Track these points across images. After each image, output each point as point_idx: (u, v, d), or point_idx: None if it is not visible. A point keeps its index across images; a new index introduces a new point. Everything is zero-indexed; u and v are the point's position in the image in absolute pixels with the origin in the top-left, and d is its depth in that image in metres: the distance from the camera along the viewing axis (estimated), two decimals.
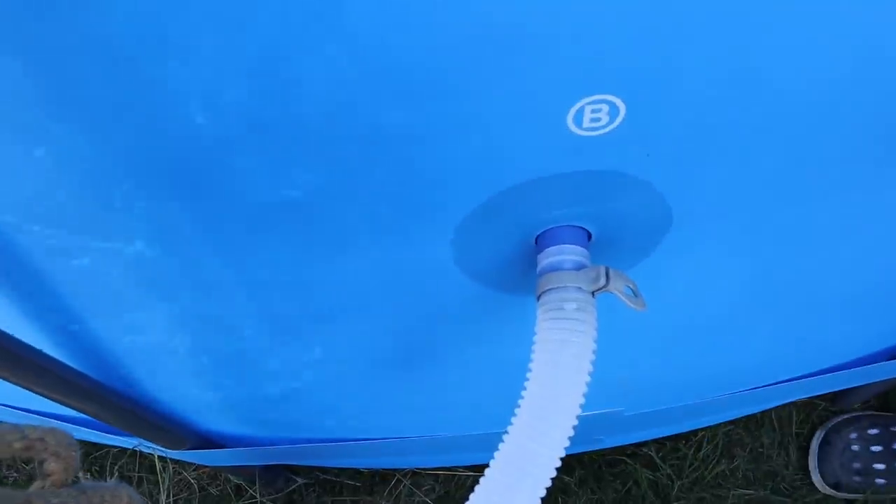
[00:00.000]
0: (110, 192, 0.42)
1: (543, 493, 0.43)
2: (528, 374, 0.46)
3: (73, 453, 0.39)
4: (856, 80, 0.40)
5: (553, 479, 0.43)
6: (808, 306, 0.69)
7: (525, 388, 0.45)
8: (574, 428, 0.44)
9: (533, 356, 0.46)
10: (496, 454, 0.44)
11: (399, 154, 0.40)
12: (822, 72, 0.39)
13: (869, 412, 1.17)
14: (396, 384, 0.70)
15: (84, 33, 0.32)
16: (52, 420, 0.76)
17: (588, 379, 0.45)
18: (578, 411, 0.45)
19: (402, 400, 0.75)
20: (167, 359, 0.61)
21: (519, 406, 0.45)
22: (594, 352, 0.45)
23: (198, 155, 0.40)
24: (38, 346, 0.55)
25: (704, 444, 1.16)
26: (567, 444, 0.44)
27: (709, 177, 0.47)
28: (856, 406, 1.18)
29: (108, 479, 1.14)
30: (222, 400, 0.71)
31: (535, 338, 0.46)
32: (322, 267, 0.50)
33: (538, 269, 0.48)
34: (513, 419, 0.45)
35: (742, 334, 0.71)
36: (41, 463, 0.37)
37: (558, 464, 0.44)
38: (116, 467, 1.14)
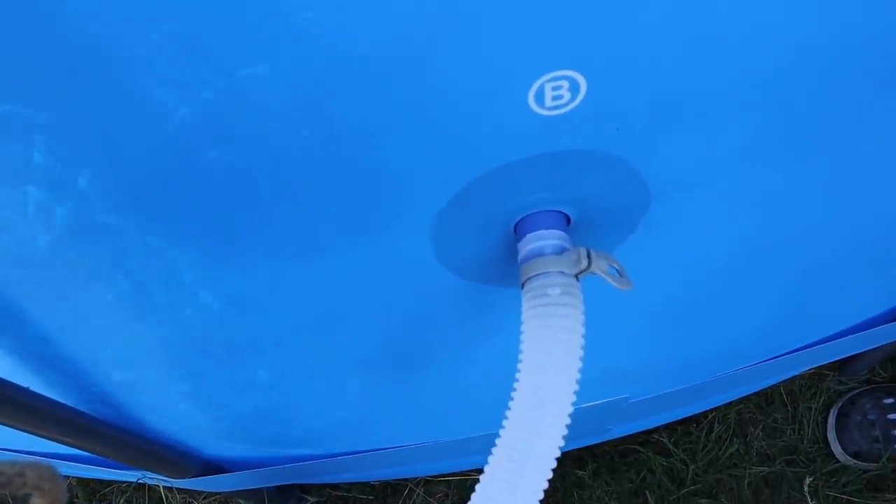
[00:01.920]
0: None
1: (545, 485, 0.42)
2: (519, 366, 0.45)
3: (59, 486, 0.38)
4: (814, 37, 0.40)
5: (567, 474, 0.42)
6: (801, 271, 0.68)
7: (517, 380, 0.44)
8: (570, 416, 0.43)
9: (522, 346, 0.45)
10: (493, 450, 0.43)
11: (363, 151, 0.39)
12: (777, 31, 0.38)
13: (882, 383, 1.17)
14: (391, 390, 0.69)
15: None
16: (51, 459, 0.75)
17: (580, 364, 0.44)
18: (573, 398, 0.44)
19: (400, 406, 0.74)
20: (155, 387, 0.61)
21: (512, 399, 0.44)
22: (583, 335, 0.44)
23: (165, 168, 0.39)
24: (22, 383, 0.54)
25: (716, 425, 1.15)
26: (564, 432, 0.43)
27: (682, 146, 0.46)
28: (864, 374, 1.18)
29: None
30: (217, 421, 0.70)
31: (523, 327, 0.46)
32: (299, 275, 0.49)
33: (519, 257, 0.48)
34: (507, 413, 0.44)
35: (737, 307, 0.70)
36: (25, 499, 0.36)
37: (557, 454, 0.43)
38: (123, 500, 1.13)
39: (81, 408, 0.62)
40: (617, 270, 0.47)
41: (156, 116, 0.35)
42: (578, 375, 0.44)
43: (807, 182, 0.54)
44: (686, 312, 0.67)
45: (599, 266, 0.45)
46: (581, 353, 0.44)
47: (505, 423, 0.44)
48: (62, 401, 0.59)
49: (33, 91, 0.33)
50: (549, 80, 0.38)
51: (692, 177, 0.49)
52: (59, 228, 0.42)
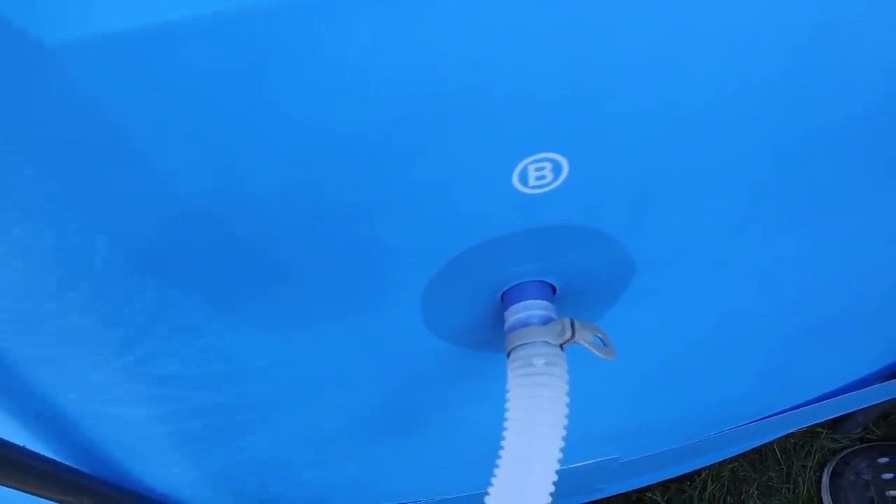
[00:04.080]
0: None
1: None
2: (504, 433, 0.46)
3: None
4: (788, 125, 0.42)
5: None
6: (787, 336, 0.69)
7: (502, 447, 0.45)
8: (555, 484, 0.44)
9: (507, 414, 0.46)
10: None
11: (354, 228, 0.41)
12: (754, 120, 0.41)
13: (876, 442, 1.17)
14: (385, 449, 0.70)
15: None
16: None
17: (563, 433, 0.45)
18: (557, 466, 0.45)
19: (394, 465, 0.74)
20: (148, 446, 0.61)
21: (497, 465, 0.45)
22: (567, 405, 0.45)
23: (164, 241, 0.41)
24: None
25: (710, 484, 1.15)
26: (549, 500, 0.44)
27: (664, 221, 0.48)
28: (857, 432, 1.18)
29: None
30: (208, 480, 0.70)
31: (508, 395, 0.47)
32: (293, 343, 0.50)
33: (506, 326, 0.49)
34: (492, 479, 0.45)
35: (726, 370, 0.71)
36: None
37: None
38: None
39: (72, 463, 0.63)
40: (601, 340, 0.48)
41: (161, 196, 0.37)
42: (562, 444, 0.45)
43: (789, 254, 0.55)
44: (673, 376, 0.68)
45: (583, 336, 0.46)
46: (565, 421, 0.45)
47: (490, 489, 0.44)
48: (54, 457, 0.60)
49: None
50: (532, 162, 0.39)
51: (675, 249, 0.50)
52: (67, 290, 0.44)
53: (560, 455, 0.44)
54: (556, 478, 0.44)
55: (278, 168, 0.36)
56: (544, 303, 0.48)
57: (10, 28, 0.30)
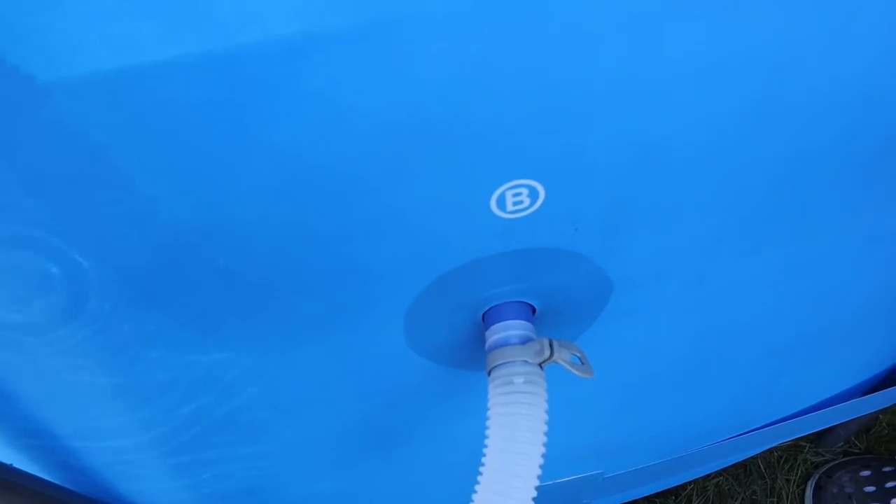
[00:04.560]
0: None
1: None
2: (484, 450, 0.47)
3: None
4: (755, 148, 0.43)
5: None
6: (766, 352, 0.70)
7: (482, 465, 0.47)
8: (534, 500, 0.45)
9: (487, 431, 0.47)
10: None
11: (337, 253, 0.42)
12: (719, 145, 0.42)
13: (859, 455, 1.18)
14: (369, 466, 0.70)
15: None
16: None
17: (543, 450, 0.46)
18: (536, 482, 0.46)
19: (378, 482, 0.75)
20: (137, 462, 0.62)
21: (478, 482, 0.46)
22: (546, 422, 0.47)
23: (149, 265, 0.42)
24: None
25: (694, 498, 1.16)
26: None
27: (639, 243, 0.49)
28: (840, 445, 1.19)
29: None
30: (192, 493, 0.71)
31: (488, 413, 0.48)
32: (279, 362, 0.51)
33: (486, 345, 0.50)
34: (473, 495, 0.46)
35: (706, 386, 0.73)
36: None
37: None
38: None
39: (64, 483, 0.63)
40: (579, 359, 0.49)
41: (147, 222, 0.38)
42: (542, 460, 0.46)
43: (764, 272, 0.57)
44: (655, 392, 0.70)
45: (562, 356, 0.47)
46: (544, 438, 0.46)
47: None
48: (46, 477, 0.60)
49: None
50: (509, 188, 0.41)
51: (651, 269, 0.52)
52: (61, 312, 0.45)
53: (540, 471, 0.46)
54: (535, 493, 0.45)
55: (261, 196, 0.37)
56: (524, 322, 0.50)
57: (3, 64, 0.31)
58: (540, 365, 0.48)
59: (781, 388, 0.83)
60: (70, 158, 0.35)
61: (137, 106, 0.33)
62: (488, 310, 0.50)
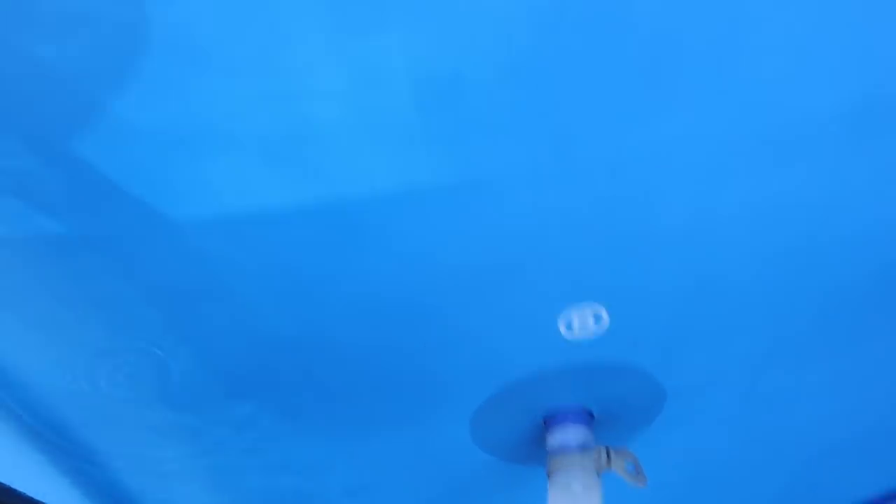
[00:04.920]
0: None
1: None
2: None
3: None
4: (806, 277, 0.46)
5: None
6: (810, 457, 0.72)
7: None
8: None
9: None
10: None
11: (416, 366, 0.46)
12: (773, 274, 0.45)
13: None
14: None
15: None
16: None
17: None
18: None
19: None
20: None
21: None
22: None
23: (247, 363, 0.46)
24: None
25: None
26: None
27: (694, 357, 0.52)
28: None
29: None
30: None
31: None
32: (350, 449, 0.55)
33: (547, 447, 0.53)
34: None
35: (749, 488, 0.74)
36: None
37: None
38: None
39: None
40: (634, 467, 0.52)
41: (251, 331, 0.42)
42: None
43: (811, 383, 0.59)
44: (701, 491, 0.71)
45: (617, 464, 0.50)
46: None
47: None
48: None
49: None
50: (575, 312, 0.44)
51: (704, 381, 0.54)
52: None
53: None
54: None
55: (355, 318, 0.41)
56: (583, 427, 0.53)
57: (143, 204, 0.36)
58: (597, 472, 0.51)
59: (823, 489, 0.84)
60: (191, 279, 0.39)
61: (252, 242, 0.37)
62: (549, 414, 0.53)
